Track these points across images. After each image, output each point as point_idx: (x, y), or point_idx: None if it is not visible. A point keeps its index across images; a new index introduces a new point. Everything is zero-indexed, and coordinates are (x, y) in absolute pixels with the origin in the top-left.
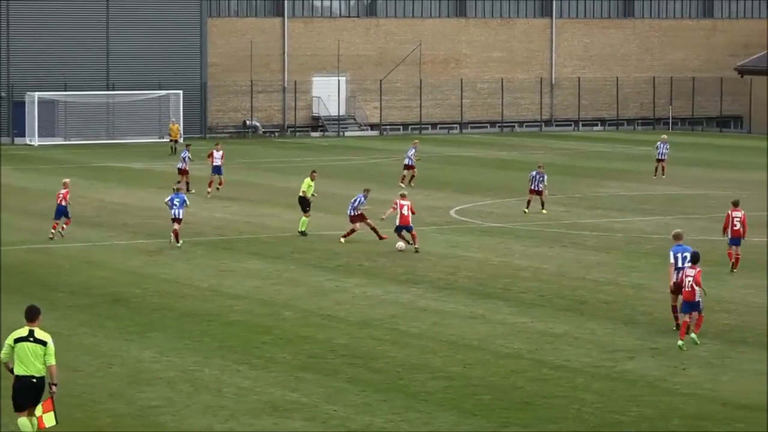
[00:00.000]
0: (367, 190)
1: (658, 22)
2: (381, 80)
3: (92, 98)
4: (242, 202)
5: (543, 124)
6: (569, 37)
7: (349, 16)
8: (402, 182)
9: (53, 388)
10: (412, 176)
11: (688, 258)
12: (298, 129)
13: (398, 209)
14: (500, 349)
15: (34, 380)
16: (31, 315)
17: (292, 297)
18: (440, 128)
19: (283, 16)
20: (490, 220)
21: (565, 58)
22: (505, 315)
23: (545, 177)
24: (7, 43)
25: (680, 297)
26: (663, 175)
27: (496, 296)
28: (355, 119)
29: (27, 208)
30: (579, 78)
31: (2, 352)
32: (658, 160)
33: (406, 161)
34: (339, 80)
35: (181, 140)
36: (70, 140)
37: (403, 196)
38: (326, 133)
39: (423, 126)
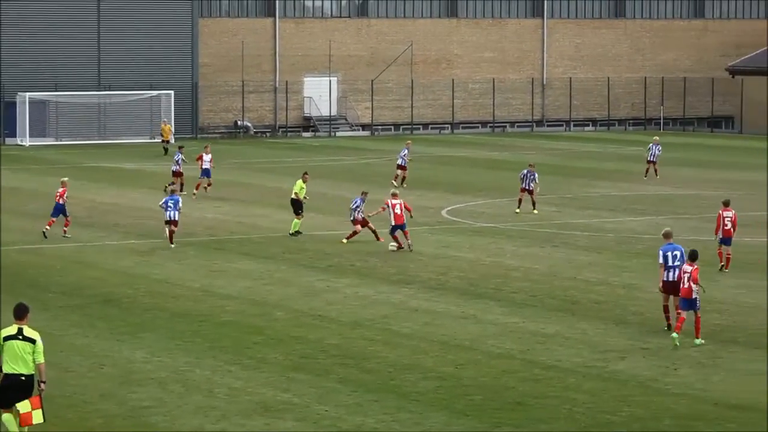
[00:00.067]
0: (364, 193)
1: (649, 22)
2: (372, 80)
3: (83, 98)
4: (233, 203)
5: (534, 124)
6: (560, 38)
7: (340, 17)
8: (395, 181)
9: (42, 385)
10: (404, 177)
11: (679, 256)
12: (289, 129)
13: (390, 209)
14: (492, 350)
15: (23, 378)
16: (20, 313)
17: (284, 297)
18: (432, 128)
19: (274, 16)
20: (481, 220)
21: (557, 59)
22: (497, 315)
23: (536, 175)
24: None
25: (671, 297)
26: (656, 175)
27: (487, 296)
28: (346, 119)
29: (18, 208)
30: (570, 78)
31: None
32: (649, 162)
33: (399, 161)
34: (330, 80)
35: (172, 140)
36: (61, 140)
37: (394, 195)
38: (317, 134)
39: (414, 126)
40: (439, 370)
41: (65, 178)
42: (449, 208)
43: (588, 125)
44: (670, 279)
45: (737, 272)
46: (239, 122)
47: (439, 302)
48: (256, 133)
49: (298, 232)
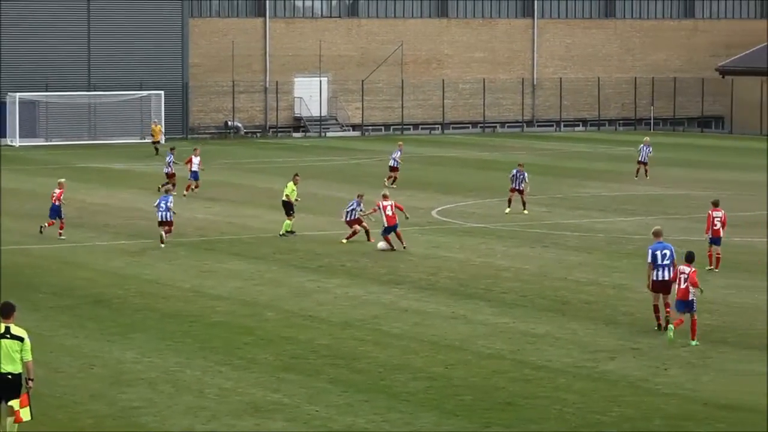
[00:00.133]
0: (360, 196)
1: (639, 22)
2: (363, 81)
3: (73, 99)
4: (224, 203)
5: (525, 124)
6: (551, 38)
7: (330, 17)
8: (387, 181)
9: (30, 383)
10: (395, 178)
11: (669, 255)
12: (279, 129)
13: (381, 210)
14: (482, 350)
15: (10, 377)
16: (6, 311)
17: (274, 298)
18: (422, 129)
19: (264, 16)
20: (471, 220)
21: (547, 59)
22: (487, 315)
23: (526, 175)
24: None
25: (661, 296)
26: (646, 176)
27: (477, 297)
28: (336, 120)
29: (8, 208)
30: (561, 78)
31: None
32: (640, 162)
33: (391, 163)
34: (321, 81)
35: (162, 141)
36: (51, 141)
37: (384, 197)
38: (308, 134)
39: (405, 126)
40: (429, 370)
41: (62, 179)
42: (439, 209)
43: (578, 125)
44: (660, 278)
45: (727, 272)
46: (230, 122)
47: (429, 302)
48: (246, 133)
49: (291, 232)
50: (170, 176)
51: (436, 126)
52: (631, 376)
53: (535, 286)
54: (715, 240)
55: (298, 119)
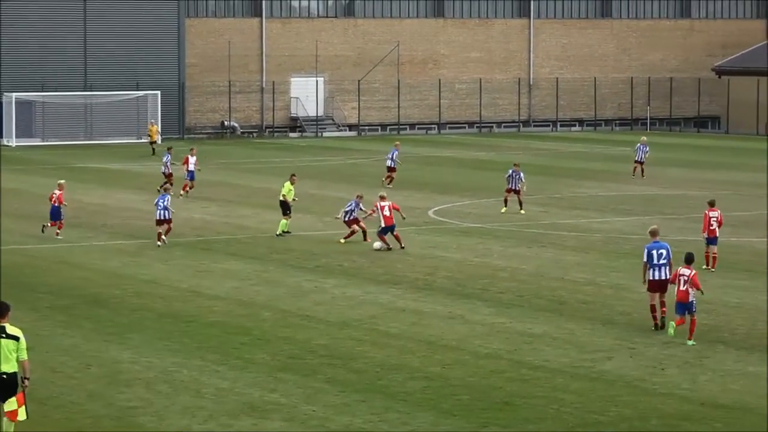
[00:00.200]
0: (359, 196)
1: (635, 22)
2: (359, 81)
3: (70, 99)
4: (220, 203)
5: (521, 124)
6: (547, 38)
7: (327, 17)
8: (385, 180)
9: (26, 382)
10: (392, 178)
11: (665, 255)
12: (276, 129)
13: (379, 211)
14: (479, 350)
15: (5, 376)
16: (1, 311)
17: (271, 297)
18: (418, 129)
19: (261, 16)
20: (468, 220)
21: (543, 59)
22: (484, 315)
23: (522, 175)
24: None
25: (657, 295)
26: (642, 176)
27: (474, 296)
28: (333, 120)
29: (4, 209)
30: (557, 78)
31: None
32: (637, 162)
33: (389, 163)
34: (317, 81)
35: (159, 141)
36: (47, 141)
37: (382, 198)
38: (304, 134)
39: (401, 126)
40: (426, 370)
41: (62, 181)
42: (436, 209)
43: (575, 125)
44: (656, 278)
45: (723, 272)
46: (226, 122)
47: (426, 302)
48: (242, 133)
49: (287, 232)
50: (168, 176)
51: (433, 126)
52: (629, 376)
53: (532, 286)
54: (712, 240)
55: (295, 119)
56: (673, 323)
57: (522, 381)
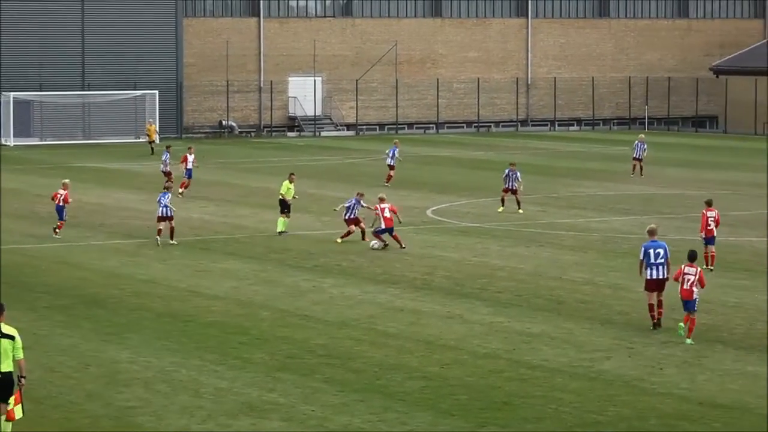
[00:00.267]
0: (360, 194)
1: (633, 22)
2: (357, 80)
3: (68, 98)
4: (219, 203)
5: (519, 124)
6: (545, 37)
7: (324, 16)
8: (388, 181)
9: (23, 380)
10: (390, 177)
11: (662, 254)
12: (274, 129)
13: (380, 213)
14: (477, 349)
15: (2, 376)
16: None
17: (270, 297)
18: (416, 128)
19: (258, 16)
20: (466, 220)
21: (541, 58)
22: (483, 315)
23: (518, 174)
24: None
25: (655, 294)
26: (641, 174)
27: (473, 296)
28: (331, 119)
29: (6, 209)
30: (555, 78)
31: None
32: (635, 159)
33: (389, 161)
34: (315, 80)
35: (157, 140)
36: (45, 140)
37: (381, 200)
38: (302, 133)
39: (399, 126)
40: (424, 369)
41: (66, 180)
42: (434, 208)
43: (572, 125)
44: (654, 277)
45: (722, 272)
46: (224, 122)
47: (424, 302)
48: (240, 132)
49: (283, 232)
50: (167, 174)
51: (431, 125)
52: (627, 376)
53: (530, 286)
54: (710, 240)
55: (293, 119)
56: (681, 324)
57: (520, 380)
